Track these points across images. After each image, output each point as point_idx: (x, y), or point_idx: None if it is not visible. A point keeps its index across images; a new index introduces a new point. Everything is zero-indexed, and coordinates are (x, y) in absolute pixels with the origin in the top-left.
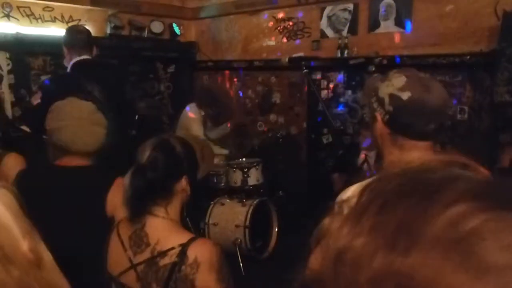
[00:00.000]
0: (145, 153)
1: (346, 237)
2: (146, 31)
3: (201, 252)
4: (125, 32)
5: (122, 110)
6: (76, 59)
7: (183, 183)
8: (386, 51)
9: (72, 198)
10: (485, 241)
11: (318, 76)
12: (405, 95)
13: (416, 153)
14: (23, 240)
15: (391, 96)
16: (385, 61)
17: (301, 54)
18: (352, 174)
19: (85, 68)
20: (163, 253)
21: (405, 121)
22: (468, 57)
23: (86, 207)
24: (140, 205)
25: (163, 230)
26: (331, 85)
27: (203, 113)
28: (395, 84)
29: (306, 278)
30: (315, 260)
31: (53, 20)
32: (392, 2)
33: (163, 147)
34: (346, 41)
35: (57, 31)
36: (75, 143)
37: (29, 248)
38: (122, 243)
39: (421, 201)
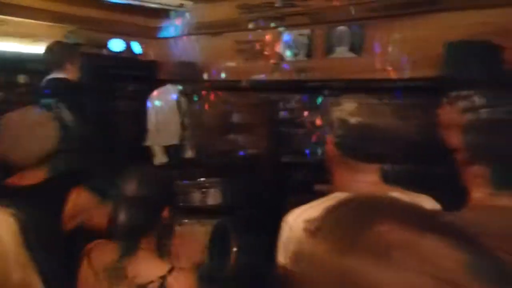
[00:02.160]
0: (132, 186)
1: (305, 242)
2: (106, 49)
3: (179, 282)
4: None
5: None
6: (50, 76)
7: (167, 212)
8: (341, 75)
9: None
10: (392, 249)
11: (277, 98)
12: (354, 120)
13: (364, 175)
14: (16, 271)
15: (341, 120)
16: (340, 85)
17: (260, 75)
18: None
19: (56, 87)
20: (143, 287)
21: (354, 145)
22: (416, 82)
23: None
24: (132, 241)
25: (141, 262)
26: (289, 107)
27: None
28: (346, 109)
29: (278, 272)
30: (283, 260)
31: (7, 35)
32: (346, 29)
33: (150, 179)
34: (303, 64)
35: (10, 46)
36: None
37: (20, 278)
38: (95, 275)
39: (359, 220)
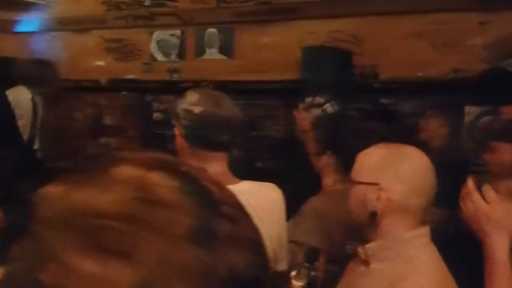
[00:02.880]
0: None
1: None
2: None
3: None
4: None
5: None
6: None
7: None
8: (212, 76)
9: None
10: (115, 182)
11: (150, 99)
12: (198, 109)
13: (212, 166)
14: None
15: (185, 111)
16: (211, 85)
17: (131, 75)
18: None
19: None
20: None
21: (199, 134)
22: (281, 84)
23: None
24: None
25: None
26: (163, 108)
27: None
28: (189, 100)
29: None
30: None
31: None
32: (216, 31)
33: None
34: (175, 65)
35: None
36: None
37: None
38: None
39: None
